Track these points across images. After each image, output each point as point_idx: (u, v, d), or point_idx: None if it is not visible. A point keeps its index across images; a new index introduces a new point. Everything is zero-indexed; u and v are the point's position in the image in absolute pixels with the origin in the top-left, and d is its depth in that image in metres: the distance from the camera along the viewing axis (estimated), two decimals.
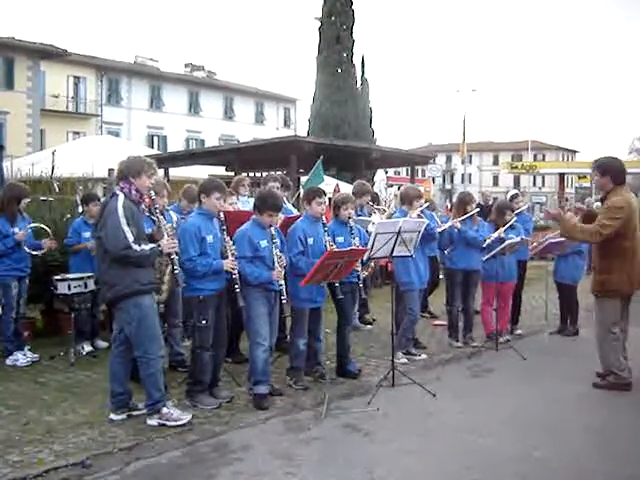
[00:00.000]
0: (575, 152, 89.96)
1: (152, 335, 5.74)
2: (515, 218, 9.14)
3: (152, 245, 5.69)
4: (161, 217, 6.03)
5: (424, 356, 8.34)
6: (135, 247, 5.51)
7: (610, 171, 7.10)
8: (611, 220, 6.88)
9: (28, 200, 8.20)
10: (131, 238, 5.50)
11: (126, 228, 5.50)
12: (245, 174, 12.03)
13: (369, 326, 10.17)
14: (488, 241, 8.68)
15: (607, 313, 7.13)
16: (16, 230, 7.78)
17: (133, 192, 5.73)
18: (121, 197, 5.64)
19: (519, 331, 9.92)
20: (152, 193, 5.94)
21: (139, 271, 5.65)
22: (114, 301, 5.77)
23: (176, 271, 6.02)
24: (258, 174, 15.22)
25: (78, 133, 41.60)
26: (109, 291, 5.72)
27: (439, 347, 8.94)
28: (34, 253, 8.08)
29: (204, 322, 6.18)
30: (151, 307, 5.78)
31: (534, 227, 11.55)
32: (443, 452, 5.35)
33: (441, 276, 11.77)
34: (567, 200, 27.48)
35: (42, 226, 8.40)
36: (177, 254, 5.99)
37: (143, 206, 5.93)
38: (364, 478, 4.84)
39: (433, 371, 7.85)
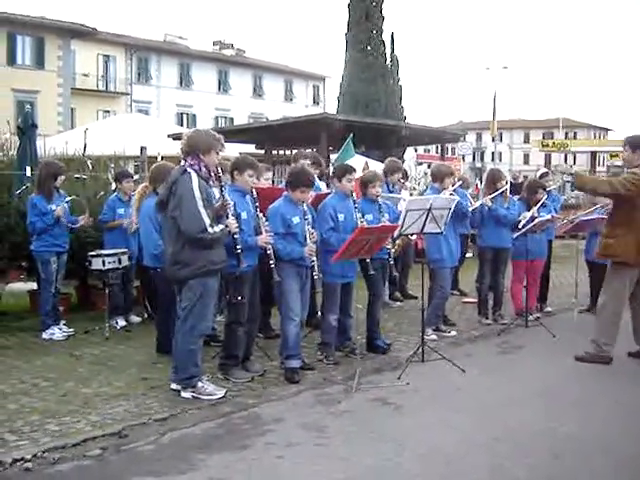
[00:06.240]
0: (607, 130, 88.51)
1: (204, 314, 5.79)
2: (546, 196, 9.09)
3: (222, 226, 5.69)
4: (226, 195, 5.89)
5: (454, 333, 8.38)
6: (210, 230, 5.51)
7: None
8: (634, 182, 6.92)
9: (64, 177, 8.31)
10: (208, 221, 5.49)
11: (203, 211, 5.48)
12: (283, 152, 12.00)
13: (399, 303, 10.23)
14: (523, 221, 8.61)
15: (614, 290, 7.17)
16: (53, 207, 7.89)
17: (203, 169, 5.67)
18: (195, 176, 5.57)
19: (549, 309, 9.92)
20: (219, 169, 5.86)
21: (211, 252, 5.65)
22: (186, 280, 5.71)
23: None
24: (288, 152, 15.20)
25: (108, 112, 41.96)
26: (182, 270, 5.65)
27: (469, 324, 8.97)
28: (72, 226, 8.21)
29: (240, 298, 6.24)
30: (213, 288, 5.81)
31: (564, 205, 11.47)
32: (472, 426, 5.39)
33: (468, 254, 11.75)
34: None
35: (78, 198, 8.52)
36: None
37: (211, 182, 5.81)
38: (394, 450, 4.89)
39: (463, 347, 7.89)
